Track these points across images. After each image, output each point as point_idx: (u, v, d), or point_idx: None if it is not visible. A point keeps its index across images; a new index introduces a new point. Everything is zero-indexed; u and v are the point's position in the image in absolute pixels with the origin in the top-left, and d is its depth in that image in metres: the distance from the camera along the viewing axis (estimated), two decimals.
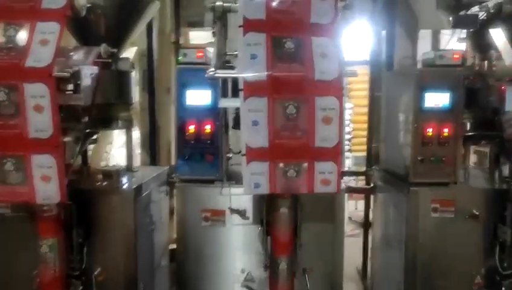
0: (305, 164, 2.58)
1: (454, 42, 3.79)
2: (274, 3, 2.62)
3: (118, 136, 5.90)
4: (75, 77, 2.72)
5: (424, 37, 5.22)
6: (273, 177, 2.59)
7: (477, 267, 3.44)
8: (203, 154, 3.52)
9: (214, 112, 3.47)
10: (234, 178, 3.50)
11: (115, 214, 3.15)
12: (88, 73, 2.86)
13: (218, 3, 2.89)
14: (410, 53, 4.89)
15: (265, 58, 2.53)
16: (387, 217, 4.04)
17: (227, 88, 3.31)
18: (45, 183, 2.62)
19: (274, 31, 2.58)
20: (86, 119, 2.90)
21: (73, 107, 2.79)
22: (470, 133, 3.60)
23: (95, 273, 3.10)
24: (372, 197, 4.58)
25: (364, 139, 5.21)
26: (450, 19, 3.59)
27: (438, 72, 3.39)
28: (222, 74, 2.79)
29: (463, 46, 3.82)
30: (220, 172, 3.54)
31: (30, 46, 2.58)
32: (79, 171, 3.48)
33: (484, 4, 3.46)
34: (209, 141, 3.51)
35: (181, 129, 3.53)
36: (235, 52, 3.14)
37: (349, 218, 7.03)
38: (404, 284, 3.52)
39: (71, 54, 2.99)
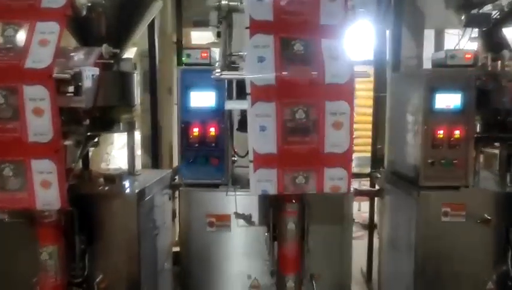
0: (315, 170, 2.50)
1: (464, 42, 3.70)
2: (282, 4, 2.53)
3: (118, 137, 5.84)
4: (76, 78, 2.65)
5: (427, 37, 5.14)
6: (281, 183, 2.52)
7: (489, 273, 3.39)
8: (208, 158, 3.44)
9: (219, 114, 3.40)
10: (239, 182, 3.45)
11: (118, 219, 3.09)
12: (89, 74, 2.78)
13: (223, 2, 2.81)
14: (415, 53, 4.81)
15: (273, 61, 2.44)
16: (396, 220, 3.98)
17: (233, 89, 3.24)
18: (45, 189, 2.56)
19: (282, 33, 2.50)
20: (87, 122, 2.84)
21: (74, 110, 2.72)
22: (481, 135, 3.51)
23: (97, 280, 3.04)
24: (376, 199, 4.50)
25: (367, 140, 5.13)
26: (462, 18, 3.53)
27: (449, 73, 3.32)
28: (228, 75, 2.71)
29: (474, 46, 3.73)
30: (225, 176, 3.47)
31: (29, 47, 2.51)
32: (80, 176, 3.42)
33: (498, 2, 3.41)
34: (213, 144, 3.43)
35: (185, 132, 3.45)
36: (240, 53, 3.08)
37: (353, 220, 6.95)
38: (414, 289, 3.44)
39: (72, 54, 2.91)
